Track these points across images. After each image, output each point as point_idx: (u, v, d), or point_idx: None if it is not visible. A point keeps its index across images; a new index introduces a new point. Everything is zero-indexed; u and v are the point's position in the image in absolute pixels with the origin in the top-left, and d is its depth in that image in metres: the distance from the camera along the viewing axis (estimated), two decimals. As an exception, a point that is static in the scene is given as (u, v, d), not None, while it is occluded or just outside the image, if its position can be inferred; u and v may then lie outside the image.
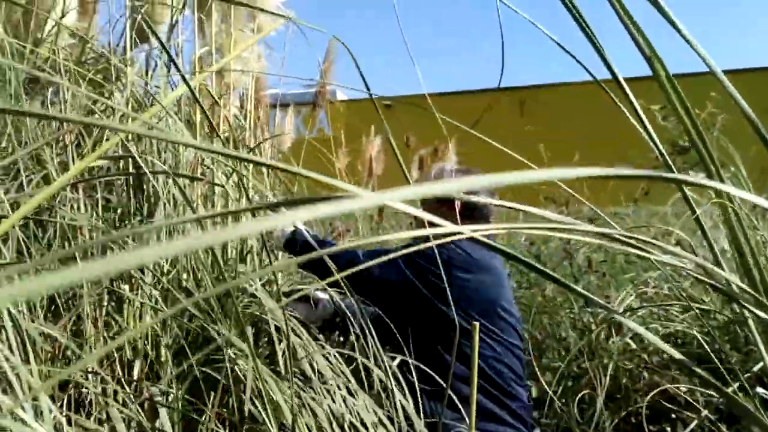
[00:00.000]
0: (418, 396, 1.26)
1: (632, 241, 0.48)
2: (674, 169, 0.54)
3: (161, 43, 1.10)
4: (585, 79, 0.62)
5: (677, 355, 0.45)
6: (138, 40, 1.58)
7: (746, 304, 0.43)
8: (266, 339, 1.48)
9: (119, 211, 1.22)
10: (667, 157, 0.52)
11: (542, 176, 0.31)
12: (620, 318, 0.59)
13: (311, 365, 1.23)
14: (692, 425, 1.35)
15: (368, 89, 0.84)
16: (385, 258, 1.41)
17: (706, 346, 1.36)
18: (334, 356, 1.28)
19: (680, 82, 0.56)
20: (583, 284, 2.17)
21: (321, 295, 1.74)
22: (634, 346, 1.76)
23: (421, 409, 1.33)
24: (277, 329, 1.28)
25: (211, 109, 1.65)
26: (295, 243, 1.65)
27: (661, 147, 0.51)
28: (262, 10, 1.33)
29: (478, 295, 1.56)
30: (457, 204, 1.69)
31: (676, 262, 0.43)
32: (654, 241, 0.44)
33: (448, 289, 1.46)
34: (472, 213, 1.72)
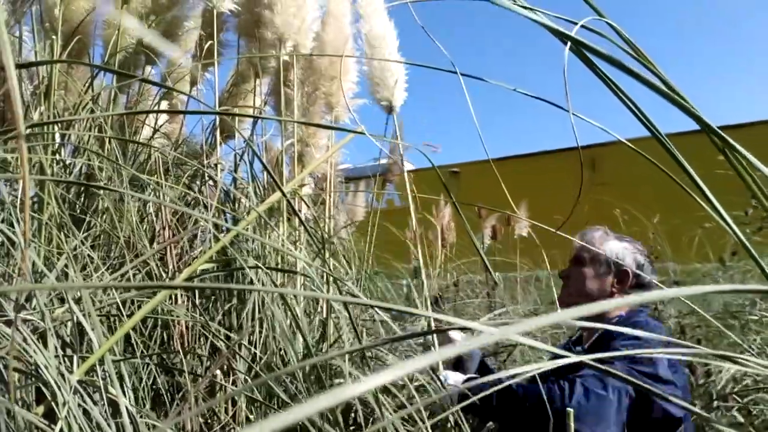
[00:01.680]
0: None
1: None
2: (752, 250, 0.53)
3: (249, 143, 1.19)
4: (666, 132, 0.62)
5: None
6: (225, 138, 1.71)
7: None
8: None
9: (213, 300, 1.29)
10: (737, 231, 0.52)
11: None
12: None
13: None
14: None
15: (430, 161, 0.88)
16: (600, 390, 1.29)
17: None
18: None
19: None
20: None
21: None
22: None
23: None
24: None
25: (294, 198, 1.74)
26: (485, 393, 1.34)
27: (728, 219, 0.51)
28: (337, 128, 1.42)
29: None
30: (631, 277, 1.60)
31: None
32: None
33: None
34: (640, 287, 1.61)
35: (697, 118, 0.61)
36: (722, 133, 0.59)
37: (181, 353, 1.17)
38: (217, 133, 1.59)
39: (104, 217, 1.42)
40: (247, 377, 1.30)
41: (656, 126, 0.65)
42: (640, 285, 1.60)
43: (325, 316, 1.67)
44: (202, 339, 1.43)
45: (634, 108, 0.65)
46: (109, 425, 0.88)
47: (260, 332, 1.31)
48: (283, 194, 0.76)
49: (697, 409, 0.60)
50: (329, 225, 2.05)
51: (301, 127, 1.65)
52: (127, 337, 1.18)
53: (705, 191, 0.64)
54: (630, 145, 0.73)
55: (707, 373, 1.79)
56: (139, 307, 1.26)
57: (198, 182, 1.63)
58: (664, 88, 0.57)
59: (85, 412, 0.89)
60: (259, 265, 1.06)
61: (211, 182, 1.55)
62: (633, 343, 1.37)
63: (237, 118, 1.87)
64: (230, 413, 1.33)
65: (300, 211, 1.88)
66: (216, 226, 1.36)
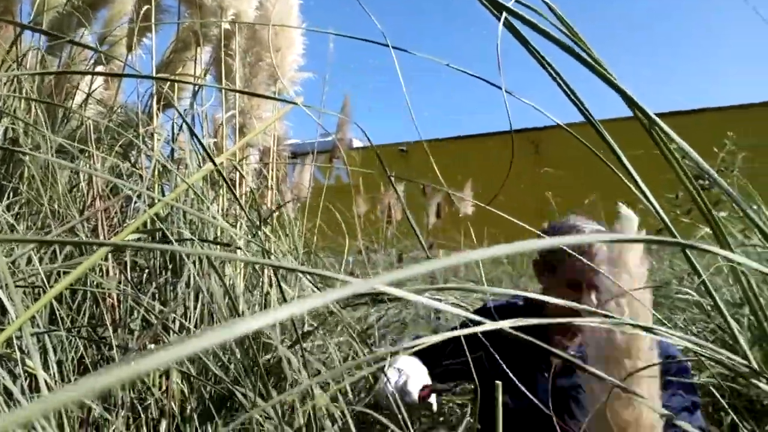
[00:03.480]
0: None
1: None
2: (676, 234, 0.56)
3: (181, 114, 1.16)
4: (602, 118, 0.64)
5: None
6: (163, 107, 1.65)
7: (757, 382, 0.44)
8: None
9: (146, 273, 1.26)
10: (661, 213, 0.54)
11: (539, 245, 0.33)
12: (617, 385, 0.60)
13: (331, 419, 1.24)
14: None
15: (370, 141, 0.87)
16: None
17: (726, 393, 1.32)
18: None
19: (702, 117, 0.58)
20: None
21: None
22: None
23: None
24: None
25: (233, 170, 1.71)
26: None
27: (654, 203, 0.54)
28: (274, 98, 1.39)
29: None
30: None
31: (682, 342, 0.44)
32: (655, 327, 0.46)
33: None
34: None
35: (622, 92, 0.63)
36: (649, 112, 0.61)
37: (110, 328, 1.14)
38: (154, 101, 1.54)
39: (30, 185, 1.35)
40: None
41: (586, 106, 0.66)
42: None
43: (266, 291, 1.66)
44: (135, 313, 1.39)
45: (564, 86, 0.67)
46: (29, 399, 0.86)
47: (195, 307, 1.29)
48: (215, 164, 0.74)
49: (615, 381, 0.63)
50: (272, 199, 2.03)
51: (243, 98, 1.61)
52: (55, 311, 1.14)
53: (632, 173, 0.66)
54: (566, 128, 0.75)
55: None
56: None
57: (134, 153, 1.58)
58: (591, 62, 0.58)
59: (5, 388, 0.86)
60: (194, 237, 1.04)
61: (147, 153, 1.50)
62: None
63: (177, 87, 1.81)
64: (163, 387, 1.31)
65: (241, 185, 1.85)
66: (151, 198, 1.32)
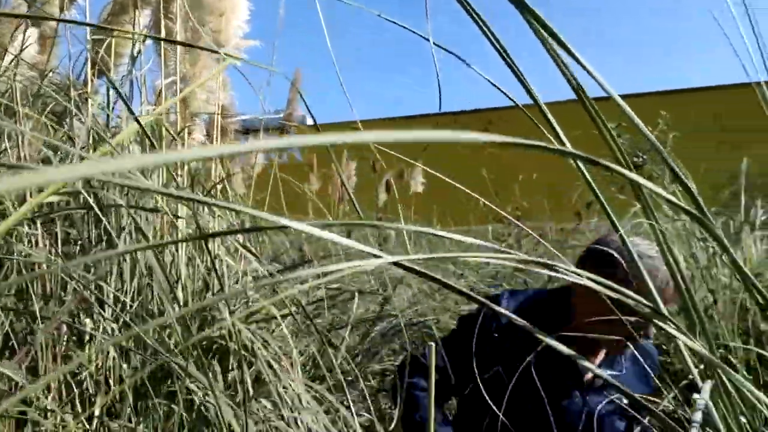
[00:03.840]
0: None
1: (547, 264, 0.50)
2: (599, 195, 0.57)
3: (110, 81, 1.10)
4: (552, 100, 0.64)
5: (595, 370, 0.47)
6: (99, 73, 1.58)
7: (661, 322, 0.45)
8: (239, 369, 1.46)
9: (79, 244, 1.21)
10: (592, 183, 0.55)
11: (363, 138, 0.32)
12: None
13: (279, 394, 1.23)
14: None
15: (313, 118, 0.86)
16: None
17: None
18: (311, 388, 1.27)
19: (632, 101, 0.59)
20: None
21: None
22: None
23: None
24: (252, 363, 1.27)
25: (174, 140, 1.65)
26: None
27: (587, 175, 0.54)
28: (216, 51, 1.34)
29: None
30: None
31: (583, 281, 0.45)
32: (560, 265, 0.46)
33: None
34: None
35: (566, 72, 0.63)
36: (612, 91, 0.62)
37: (41, 300, 1.09)
38: (88, 66, 1.46)
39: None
40: (114, 326, 1.24)
41: (528, 82, 0.67)
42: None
43: (210, 265, 1.62)
44: (69, 288, 1.34)
45: (507, 59, 0.66)
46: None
47: (131, 279, 1.25)
48: (140, 124, 0.71)
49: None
50: (218, 174, 1.98)
51: (184, 64, 1.55)
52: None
53: (568, 148, 0.66)
54: (520, 106, 0.75)
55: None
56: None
57: (67, 119, 1.50)
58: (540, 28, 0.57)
59: None
60: (122, 204, 0.99)
61: (81, 119, 1.43)
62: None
63: (114, 52, 1.73)
64: (99, 363, 1.27)
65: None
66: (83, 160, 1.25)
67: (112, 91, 1.51)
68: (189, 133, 1.93)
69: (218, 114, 1.74)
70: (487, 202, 1.03)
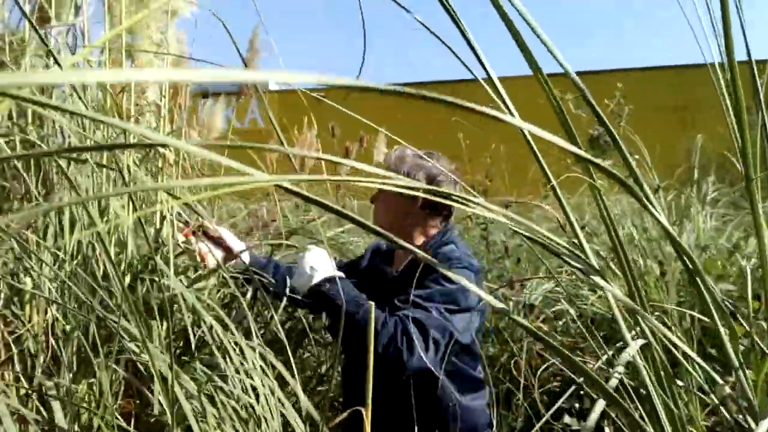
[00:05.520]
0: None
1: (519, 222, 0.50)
2: (547, 173, 0.57)
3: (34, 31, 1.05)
4: (516, 74, 0.64)
5: (539, 334, 0.48)
6: (39, 21, 1.50)
7: (569, 259, 0.46)
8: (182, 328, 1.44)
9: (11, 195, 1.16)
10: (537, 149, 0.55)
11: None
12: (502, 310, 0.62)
13: (225, 357, 1.21)
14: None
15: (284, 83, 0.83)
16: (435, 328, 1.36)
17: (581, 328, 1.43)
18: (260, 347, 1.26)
19: (589, 77, 0.59)
20: (497, 270, 2.24)
21: (234, 243, 1.61)
22: (545, 326, 1.84)
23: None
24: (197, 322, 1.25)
25: (121, 95, 1.59)
26: (325, 296, 1.43)
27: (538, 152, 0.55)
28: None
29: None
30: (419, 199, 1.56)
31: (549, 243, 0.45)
32: (516, 218, 0.46)
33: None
34: (436, 206, 1.58)
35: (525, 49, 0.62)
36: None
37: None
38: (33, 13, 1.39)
39: None
40: (53, 285, 1.20)
41: (480, 52, 0.66)
42: (435, 201, 1.62)
43: (159, 226, 1.59)
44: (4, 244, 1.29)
45: (462, 30, 0.65)
46: None
47: (71, 233, 1.21)
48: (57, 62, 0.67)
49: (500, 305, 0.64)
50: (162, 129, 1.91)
51: (130, 14, 1.48)
52: None
53: (523, 127, 0.66)
54: (477, 76, 0.74)
55: (522, 287, 1.97)
56: None
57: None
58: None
59: None
60: (55, 149, 0.94)
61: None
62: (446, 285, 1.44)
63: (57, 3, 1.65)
64: (36, 320, 1.23)
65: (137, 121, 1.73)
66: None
67: (51, 40, 1.44)
68: (141, 92, 1.86)
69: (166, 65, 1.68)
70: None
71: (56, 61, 0.92)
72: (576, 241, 0.56)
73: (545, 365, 1.66)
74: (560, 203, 0.57)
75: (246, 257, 1.63)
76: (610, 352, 1.13)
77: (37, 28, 1.51)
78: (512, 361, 1.75)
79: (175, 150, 1.72)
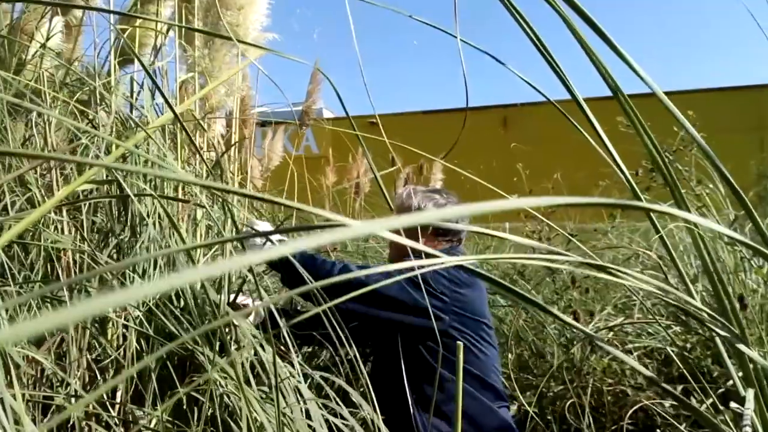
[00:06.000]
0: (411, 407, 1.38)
1: (605, 267, 0.50)
2: (639, 194, 0.56)
3: (144, 66, 1.11)
4: (569, 98, 0.64)
5: (647, 373, 0.47)
6: (122, 63, 1.59)
7: (711, 325, 0.45)
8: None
9: (104, 232, 1.22)
10: (632, 181, 0.54)
11: (508, 205, 0.32)
12: (593, 336, 0.61)
13: (296, 388, 1.23)
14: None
15: (345, 108, 0.86)
16: (393, 279, 1.40)
17: (678, 363, 1.38)
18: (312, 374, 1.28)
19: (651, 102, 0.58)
20: (565, 300, 2.19)
21: (246, 301, 1.64)
22: (615, 364, 1.78)
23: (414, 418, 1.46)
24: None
25: (195, 131, 1.67)
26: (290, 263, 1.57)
27: (626, 172, 0.54)
28: (241, 41, 1.35)
29: (473, 308, 1.60)
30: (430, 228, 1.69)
31: (645, 286, 0.45)
32: (621, 269, 0.46)
33: (451, 303, 1.52)
34: (446, 233, 1.72)
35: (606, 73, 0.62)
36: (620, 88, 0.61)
37: (65, 286, 1.10)
38: (112, 56, 1.48)
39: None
40: (139, 312, 1.25)
41: (569, 81, 0.66)
42: (445, 231, 1.70)
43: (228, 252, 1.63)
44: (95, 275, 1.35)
45: (546, 53, 0.66)
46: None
47: (155, 266, 1.26)
48: (176, 115, 0.71)
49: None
50: (236, 165, 1.99)
51: (204, 59, 1.56)
52: (4, 266, 1.10)
53: (609, 146, 0.65)
54: (554, 102, 0.74)
55: (588, 319, 1.92)
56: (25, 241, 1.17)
57: (92, 108, 1.52)
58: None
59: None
60: (151, 192, 1.00)
61: (105, 109, 1.44)
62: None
63: (138, 43, 1.75)
64: (120, 348, 1.29)
65: (209, 151, 1.80)
66: (109, 152, 1.27)
67: (135, 83, 1.52)
68: (209, 126, 1.94)
69: (237, 105, 1.75)
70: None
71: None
72: (688, 296, 0.54)
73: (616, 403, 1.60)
74: (666, 248, 0.56)
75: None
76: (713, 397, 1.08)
77: (121, 68, 1.59)
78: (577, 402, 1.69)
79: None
